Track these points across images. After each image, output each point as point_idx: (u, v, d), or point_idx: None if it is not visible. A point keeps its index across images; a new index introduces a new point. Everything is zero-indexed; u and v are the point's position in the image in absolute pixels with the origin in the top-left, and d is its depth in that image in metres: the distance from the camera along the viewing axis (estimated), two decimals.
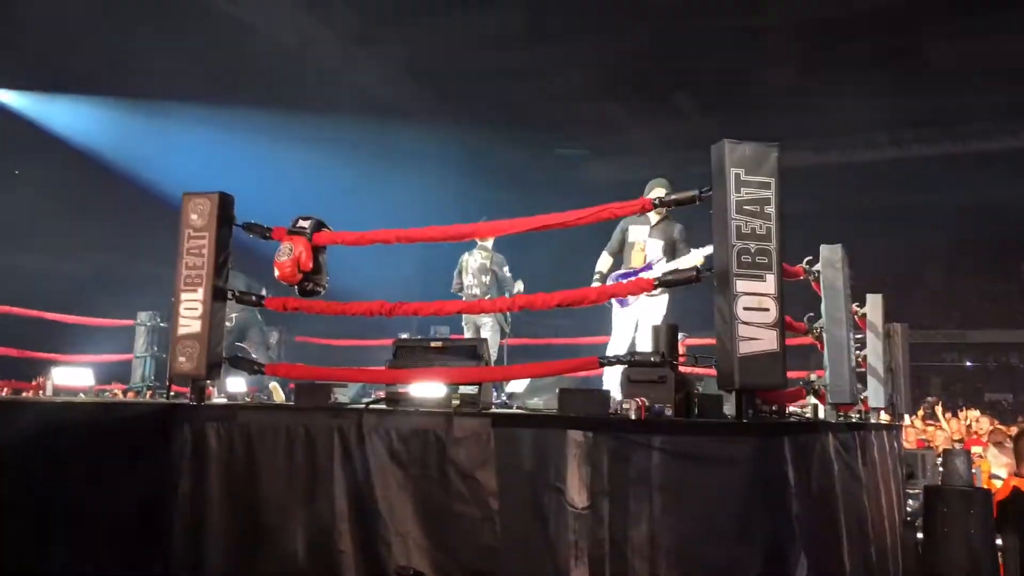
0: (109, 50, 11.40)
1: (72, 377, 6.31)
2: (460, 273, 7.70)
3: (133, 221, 12.53)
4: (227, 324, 7.56)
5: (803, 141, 19.03)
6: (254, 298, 4.60)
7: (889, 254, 20.10)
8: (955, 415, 10.10)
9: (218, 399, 5.59)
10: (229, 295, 4.31)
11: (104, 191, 12.24)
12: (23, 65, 11.39)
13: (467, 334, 7.52)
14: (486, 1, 13.45)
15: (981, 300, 23.65)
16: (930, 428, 9.82)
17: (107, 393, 7.41)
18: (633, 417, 3.38)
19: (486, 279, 7.58)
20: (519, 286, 7.62)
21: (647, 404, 3.42)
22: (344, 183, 12.61)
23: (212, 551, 3.72)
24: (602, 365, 4.00)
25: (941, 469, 5.42)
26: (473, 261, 7.65)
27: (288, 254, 4.35)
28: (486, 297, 7.51)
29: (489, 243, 7.69)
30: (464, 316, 7.57)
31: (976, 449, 7.64)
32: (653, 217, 6.25)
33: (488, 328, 7.49)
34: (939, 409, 10.18)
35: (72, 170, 12.07)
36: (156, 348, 7.75)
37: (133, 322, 7.98)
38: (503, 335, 7.58)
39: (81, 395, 6.11)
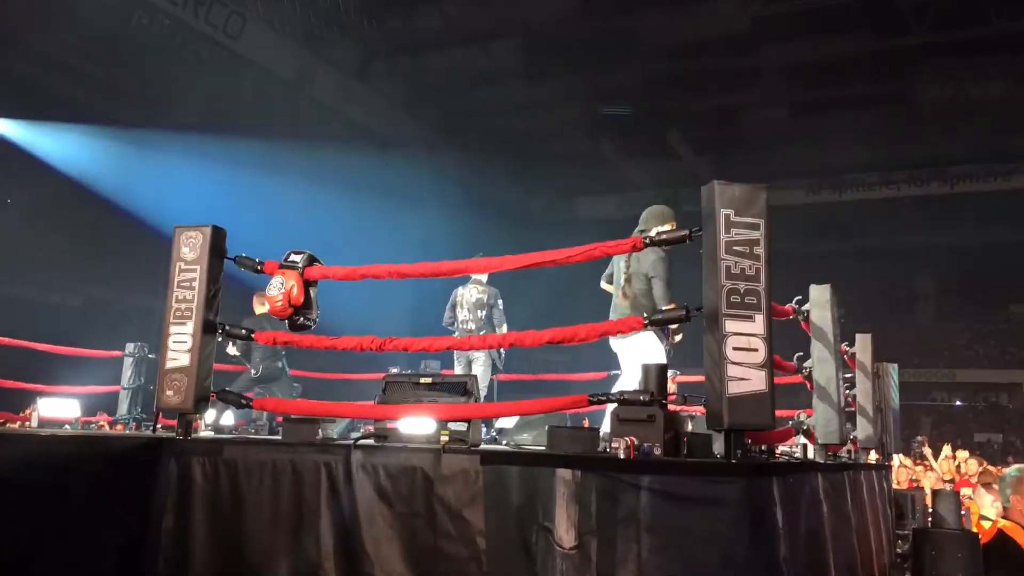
0: (104, 79, 11.46)
1: (58, 408, 6.27)
2: (454, 307, 7.62)
3: (124, 252, 12.52)
4: (252, 372, 7.63)
5: (793, 180, 19.21)
6: (244, 332, 4.58)
7: (879, 294, 20.22)
8: (945, 455, 10.08)
9: (205, 432, 5.56)
10: (219, 329, 4.30)
11: (96, 221, 12.22)
12: (16, 93, 11.43)
13: (458, 369, 7.43)
14: (482, 38, 13.60)
15: (970, 340, 23.72)
16: (920, 468, 9.80)
17: (93, 425, 7.35)
18: (622, 456, 3.37)
19: (482, 314, 7.50)
20: (503, 328, 7.53)
21: (636, 443, 3.41)
22: (337, 218, 12.64)
23: None
24: (591, 403, 3.99)
25: (930, 511, 5.41)
26: (469, 296, 7.56)
27: (279, 288, 4.34)
28: (481, 332, 7.45)
29: (484, 277, 7.63)
30: (457, 352, 7.53)
31: (966, 491, 7.63)
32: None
33: (480, 363, 7.41)
34: (927, 450, 10.17)
35: (64, 200, 12.06)
36: (144, 380, 7.70)
37: (121, 353, 7.93)
38: (495, 371, 7.52)
39: (67, 427, 6.06)
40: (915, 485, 8.01)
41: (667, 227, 5.60)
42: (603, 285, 6.32)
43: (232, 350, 7.82)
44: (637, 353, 5.92)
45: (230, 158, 11.90)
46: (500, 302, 7.57)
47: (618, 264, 6.12)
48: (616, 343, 6.14)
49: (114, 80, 11.56)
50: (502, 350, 7.39)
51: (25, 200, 11.88)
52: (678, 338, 6.03)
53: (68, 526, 3.70)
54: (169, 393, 4.04)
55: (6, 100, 11.65)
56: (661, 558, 3.08)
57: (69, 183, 12.25)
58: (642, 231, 5.54)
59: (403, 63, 14.09)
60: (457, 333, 7.52)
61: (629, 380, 5.99)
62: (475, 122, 16.18)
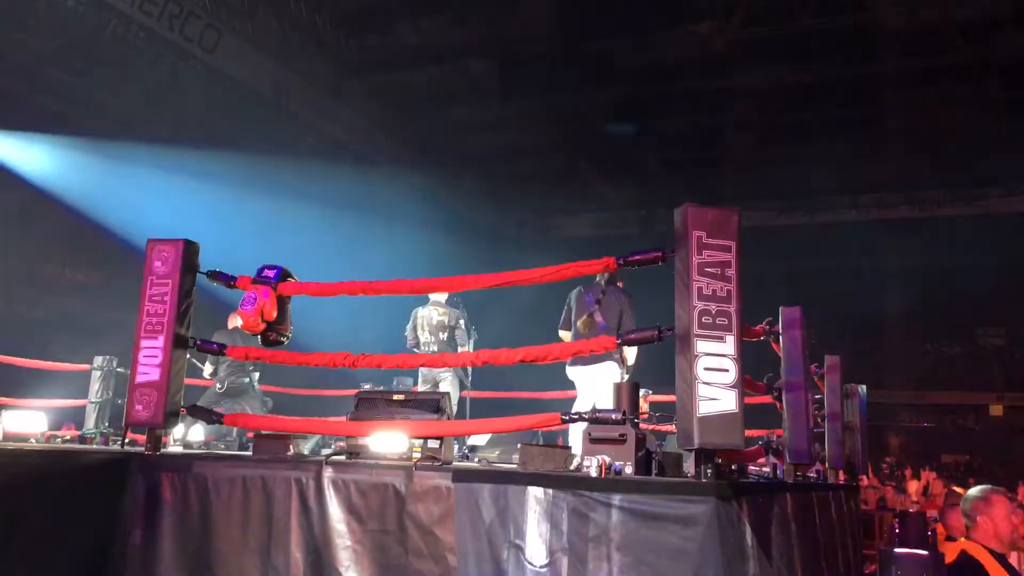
0: (76, 90, 11.36)
1: (24, 423, 6.17)
2: (415, 328, 7.64)
3: (91, 265, 12.40)
4: (217, 387, 7.56)
5: (765, 202, 19.43)
6: (215, 347, 4.57)
7: (848, 316, 20.45)
8: (913, 476, 10.22)
9: (174, 447, 5.51)
10: (190, 343, 4.29)
11: (64, 233, 12.10)
12: None
13: (423, 390, 7.45)
14: (458, 57, 13.67)
15: (938, 362, 24.06)
16: (888, 489, 9.92)
17: (59, 439, 7.24)
18: (593, 475, 3.40)
19: (444, 336, 7.53)
20: (472, 342, 7.56)
21: (608, 462, 3.44)
22: (311, 234, 12.61)
23: None
24: (564, 422, 4.02)
25: (897, 531, 5.49)
26: (430, 317, 7.58)
27: (252, 303, 4.35)
28: (444, 353, 7.45)
29: (443, 298, 7.67)
30: (421, 372, 7.53)
31: (932, 512, 7.73)
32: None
33: (447, 383, 7.43)
34: (894, 471, 10.31)
35: (30, 210, 11.93)
36: (112, 394, 7.61)
37: (89, 367, 7.83)
38: (463, 388, 7.54)
39: (32, 440, 5.97)
40: (883, 506, 8.11)
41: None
42: (561, 334, 6.39)
43: (207, 372, 7.77)
44: (598, 378, 5.99)
45: (203, 172, 11.83)
46: (463, 322, 7.57)
47: (581, 298, 6.22)
48: (574, 370, 6.21)
49: (86, 90, 11.46)
50: (469, 369, 7.38)
51: None
52: (631, 361, 6.14)
53: (32, 541, 3.65)
54: (139, 407, 4.02)
55: None
56: (630, 574, 3.11)
57: (36, 193, 12.13)
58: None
59: (379, 80, 14.10)
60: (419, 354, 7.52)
61: (585, 405, 6.06)
62: (450, 140, 16.23)
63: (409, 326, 7.67)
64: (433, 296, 7.63)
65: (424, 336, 7.56)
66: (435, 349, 7.50)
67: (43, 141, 12.05)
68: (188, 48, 10.96)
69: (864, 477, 7.81)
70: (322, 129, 13.55)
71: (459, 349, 7.51)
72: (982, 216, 18.98)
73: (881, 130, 16.66)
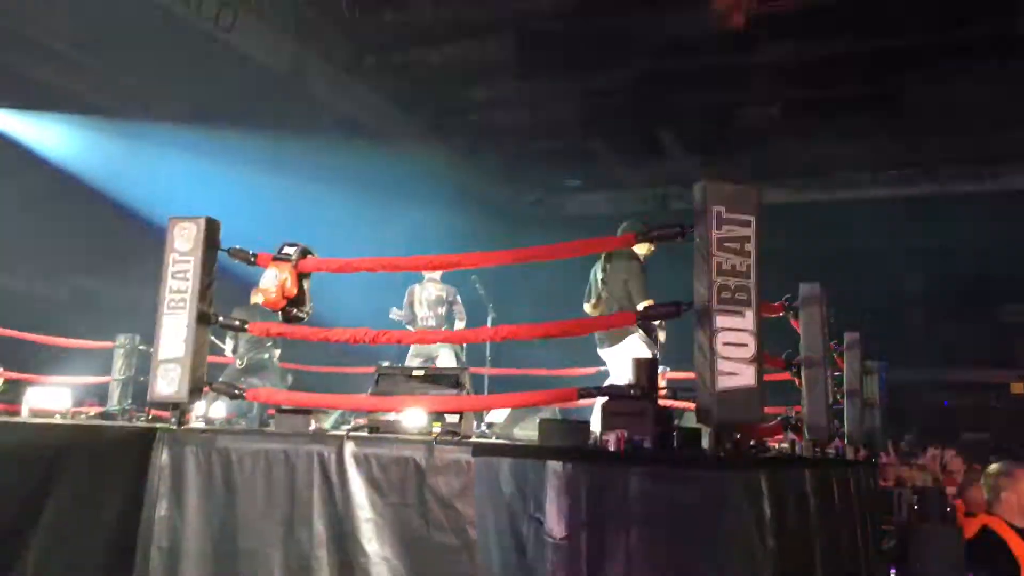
0: (94, 69, 11.43)
1: (48, 399, 6.27)
2: (411, 304, 7.80)
3: (111, 244, 12.50)
4: (237, 364, 7.72)
5: (784, 179, 19.28)
6: (237, 323, 4.62)
7: (868, 292, 20.31)
8: (932, 454, 10.18)
9: (196, 423, 5.58)
10: (212, 319, 4.34)
11: (84, 212, 12.20)
12: (4, 81, 11.39)
13: (415, 363, 7.56)
14: (475, 34, 13.61)
15: (959, 340, 23.88)
16: (907, 466, 9.89)
17: (83, 415, 7.36)
18: (612, 449, 3.43)
19: (442, 311, 7.75)
20: (491, 319, 7.70)
21: (626, 436, 3.46)
22: (329, 211, 12.65)
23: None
24: (581, 396, 4.05)
25: (916, 507, 5.50)
26: (427, 293, 7.78)
27: (273, 280, 4.39)
28: (442, 328, 7.72)
29: (438, 275, 7.81)
30: (414, 348, 7.63)
31: (952, 489, 7.72)
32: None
33: (443, 360, 7.57)
34: (913, 448, 10.29)
35: (51, 190, 12.04)
36: (135, 371, 7.72)
37: (112, 344, 7.94)
38: (458, 363, 7.67)
39: (57, 416, 6.08)
40: (902, 482, 8.09)
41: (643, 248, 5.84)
42: (585, 308, 6.41)
43: (228, 350, 7.88)
44: (623, 358, 6.01)
45: (221, 150, 11.90)
46: (459, 298, 7.79)
47: (594, 276, 6.24)
48: (605, 351, 6.23)
49: (104, 70, 11.53)
50: (464, 346, 7.60)
51: (12, 191, 11.85)
52: (662, 337, 6.16)
53: (61, 512, 3.73)
54: (163, 383, 4.09)
55: None
56: (649, 550, 3.14)
57: (57, 174, 12.24)
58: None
59: (395, 58, 14.07)
60: (413, 330, 7.66)
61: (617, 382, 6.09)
62: (466, 118, 16.19)
63: (405, 302, 7.85)
64: (428, 273, 7.73)
65: (422, 311, 7.75)
66: (432, 324, 7.70)
67: (61, 120, 12.14)
68: (205, 27, 10.97)
69: (883, 454, 7.81)
70: (339, 108, 13.56)
71: (456, 324, 7.69)
72: (1005, 193, 18.76)
73: (903, 106, 16.46)
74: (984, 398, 23.93)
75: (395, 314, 7.77)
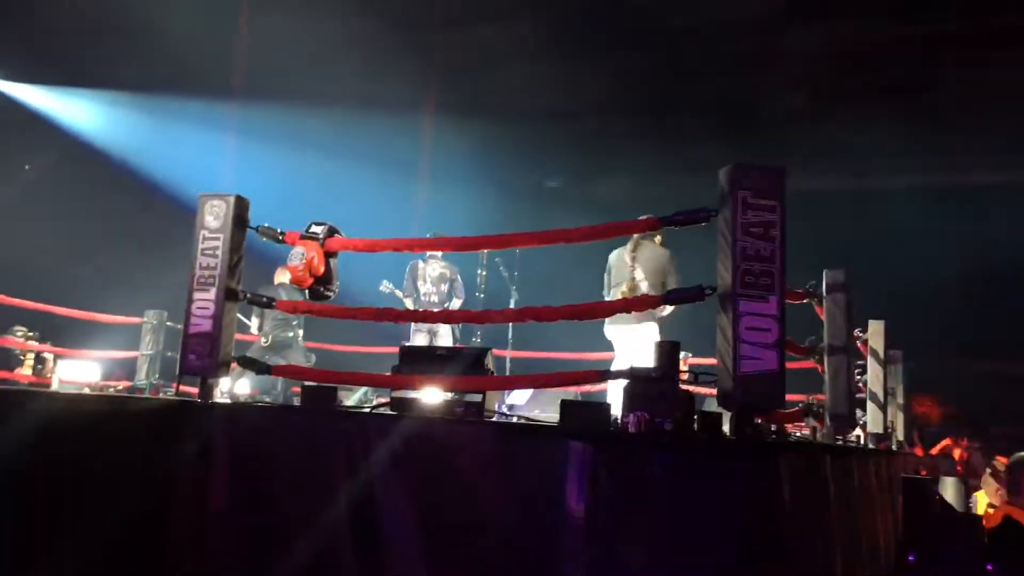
0: (120, 45, 11.52)
1: (78, 372, 6.41)
2: (414, 280, 8.03)
3: (140, 222, 12.68)
4: (262, 341, 7.93)
5: (812, 165, 19.10)
6: (264, 300, 4.70)
7: (894, 281, 20.13)
8: (956, 445, 10.16)
9: (221, 400, 5.69)
10: (240, 296, 4.42)
11: (112, 190, 12.35)
12: (35, 58, 11.52)
13: (419, 340, 7.81)
14: (504, 16, 13.58)
15: (987, 331, 23.63)
16: (930, 457, 9.87)
17: (111, 389, 7.51)
18: (633, 431, 3.46)
19: (444, 288, 8.06)
20: (513, 301, 7.98)
21: (647, 418, 3.49)
22: (358, 191, 12.73)
23: (215, 552, 3.80)
24: (604, 378, 4.08)
25: (938, 497, 5.51)
26: (431, 270, 8.06)
27: (300, 259, 4.46)
28: (445, 305, 8.04)
29: (440, 252, 8.03)
30: (416, 323, 7.89)
31: (974, 480, 7.70)
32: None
33: (443, 335, 7.90)
34: (937, 439, 10.25)
35: (81, 169, 12.20)
36: (162, 347, 7.86)
37: (140, 320, 8.09)
38: (454, 340, 8.05)
39: (86, 390, 6.22)
40: (924, 473, 8.09)
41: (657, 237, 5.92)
42: (607, 298, 6.44)
43: (254, 327, 8.04)
44: (639, 339, 6.05)
45: (250, 128, 12.01)
46: (459, 276, 8.15)
47: (621, 260, 6.27)
48: (614, 329, 6.27)
49: (133, 45, 11.62)
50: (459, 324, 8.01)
51: (44, 166, 12.04)
52: (664, 313, 6.20)
53: (93, 481, 3.83)
54: (192, 357, 4.17)
55: (24, 66, 11.77)
56: (670, 532, 3.17)
57: (86, 151, 12.39)
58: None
59: (424, 38, 14.09)
60: (416, 306, 7.98)
61: (623, 365, 6.15)
62: (494, 100, 16.16)
63: (407, 278, 8.07)
64: (430, 252, 8.02)
65: (425, 287, 8.02)
66: (435, 300, 7.99)
67: (92, 97, 12.27)
68: (233, 2, 11.03)
69: (905, 444, 7.80)
70: (368, 88, 13.58)
71: (456, 302, 8.06)
72: None
73: (935, 93, 16.26)
74: (1012, 391, 23.69)
75: (386, 287, 8.00)
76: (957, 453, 9.59)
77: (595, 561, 3.18)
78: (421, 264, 8.08)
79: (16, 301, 7.95)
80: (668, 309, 6.17)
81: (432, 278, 8.01)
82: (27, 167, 12.28)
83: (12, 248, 10.27)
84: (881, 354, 6.13)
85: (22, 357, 8.35)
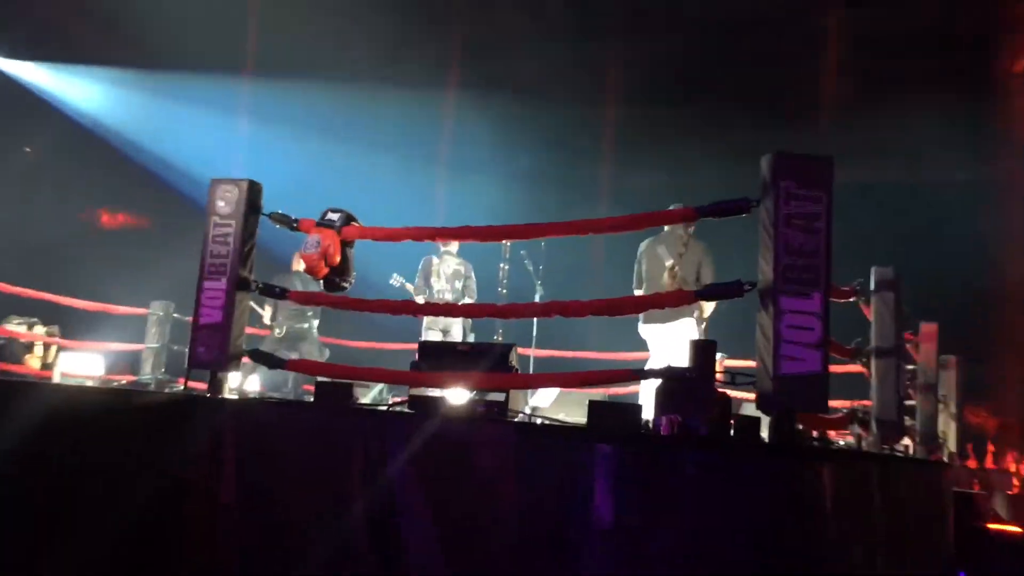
0: (122, 23, 11.62)
1: (81, 364, 6.49)
2: (427, 276, 8.17)
3: (147, 208, 12.81)
4: (276, 332, 8.07)
5: (862, 156, 18.93)
6: (277, 290, 4.74)
7: (949, 281, 19.90)
8: (1013, 458, 10.06)
9: (230, 396, 5.76)
10: (252, 286, 4.46)
11: (119, 177, 12.47)
12: (38, 35, 11.65)
13: (431, 337, 7.96)
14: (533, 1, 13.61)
15: None
16: (982, 470, 9.77)
17: (114, 383, 7.60)
18: (665, 434, 3.46)
19: (459, 285, 8.18)
20: (538, 296, 8.07)
21: (680, 421, 3.49)
22: (375, 178, 12.79)
23: (225, 549, 3.85)
24: (637, 377, 4.09)
25: (991, 512, 5.47)
26: (446, 267, 8.19)
27: (315, 247, 4.47)
28: (458, 302, 8.02)
29: (455, 248, 8.23)
30: (428, 319, 8.04)
31: None
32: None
33: (455, 332, 8.10)
34: (993, 452, 10.14)
35: (86, 154, 12.32)
36: (168, 339, 7.91)
37: (146, 311, 8.13)
38: (465, 337, 8.20)
39: (89, 384, 6.29)
40: (977, 486, 8.02)
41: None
42: (636, 293, 6.44)
43: (267, 318, 8.12)
44: (675, 337, 6.05)
45: (263, 112, 12.11)
46: (472, 274, 8.28)
47: (653, 252, 6.28)
48: (649, 329, 6.28)
49: (142, 25, 11.73)
50: (470, 320, 8.21)
51: (44, 149, 12.20)
52: (707, 313, 6.21)
53: (99, 479, 3.90)
54: (201, 349, 4.21)
55: (26, 42, 11.90)
56: (701, 538, 3.17)
57: (91, 137, 12.52)
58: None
59: (451, 25, 14.14)
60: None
61: (658, 365, 6.14)
62: (521, 87, 16.17)
63: (420, 274, 8.16)
64: (445, 246, 8.18)
65: (439, 284, 8.14)
66: (449, 298, 8.10)
67: (99, 79, 12.39)
68: None
69: (956, 455, 7.74)
70: (388, 74, 13.63)
71: (467, 301, 8.08)
72: None
73: (991, 82, 16.07)
74: None
75: (396, 280, 8.09)
76: (1014, 467, 9.49)
77: (622, 565, 3.19)
78: (436, 260, 8.20)
79: (16, 289, 8.04)
80: (710, 307, 6.18)
81: (447, 275, 8.15)
82: (27, 149, 12.44)
83: (12, 233, 10.43)
84: (933, 358, 6.09)
85: (25, 349, 8.49)
